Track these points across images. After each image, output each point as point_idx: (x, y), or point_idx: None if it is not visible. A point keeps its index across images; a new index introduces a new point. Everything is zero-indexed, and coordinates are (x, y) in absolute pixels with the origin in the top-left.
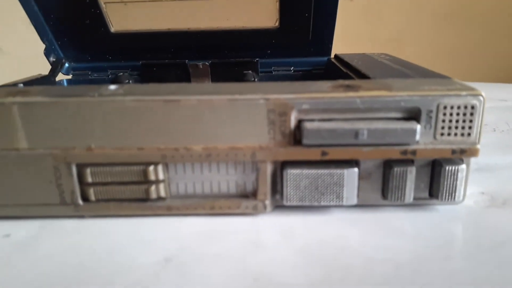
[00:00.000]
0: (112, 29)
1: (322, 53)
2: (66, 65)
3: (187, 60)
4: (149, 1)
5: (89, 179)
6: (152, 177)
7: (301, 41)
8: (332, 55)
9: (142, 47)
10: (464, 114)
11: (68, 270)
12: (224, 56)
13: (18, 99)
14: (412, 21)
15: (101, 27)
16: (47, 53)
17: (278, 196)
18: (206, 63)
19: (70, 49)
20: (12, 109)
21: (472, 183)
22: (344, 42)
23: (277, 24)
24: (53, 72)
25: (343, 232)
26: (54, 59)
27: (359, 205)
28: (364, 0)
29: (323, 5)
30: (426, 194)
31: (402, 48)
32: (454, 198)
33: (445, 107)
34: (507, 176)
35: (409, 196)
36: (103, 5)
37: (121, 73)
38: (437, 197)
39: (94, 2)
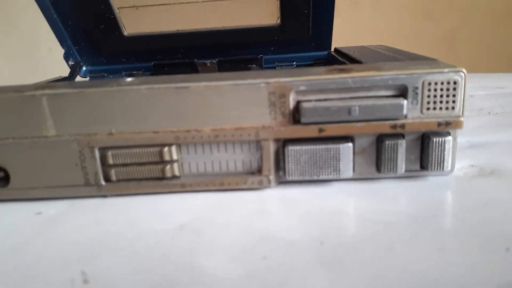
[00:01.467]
0: (125, 33)
1: (322, 48)
2: (84, 68)
3: (195, 59)
4: (159, 4)
5: (111, 161)
6: (167, 157)
7: (302, 37)
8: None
9: (154, 48)
10: (448, 89)
11: (95, 238)
12: (230, 54)
13: (47, 91)
14: (466, 19)
15: (115, 31)
16: (66, 57)
17: (281, 173)
18: (214, 61)
19: (87, 53)
20: (42, 100)
21: (463, 157)
22: (393, 42)
23: (278, 21)
24: (72, 74)
25: (340, 201)
26: (73, 63)
27: (356, 179)
28: None
29: (321, 3)
30: (418, 167)
31: (454, 48)
32: (443, 168)
33: (429, 83)
34: (497, 151)
35: (401, 168)
36: (116, 10)
37: (135, 72)
38: (427, 168)
39: (108, 7)
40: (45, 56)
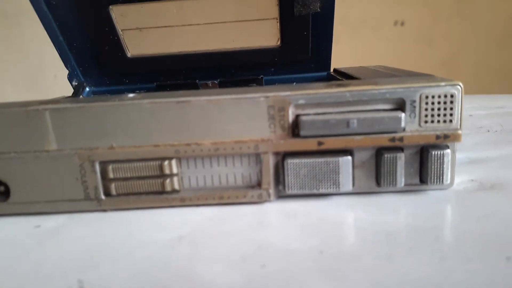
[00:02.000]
0: (129, 54)
1: (322, 68)
2: (87, 89)
3: (197, 80)
4: (162, 27)
5: (111, 175)
6: (167, 171)
7: (302, 58)
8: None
9: (156, 69)
10: (445, 103)
11: (93, 249)
12: (232, 75)
13: (50, 106)
14: (465, 44)
15: (118, 52)
16: (70, 78)
17: (280, 187)
18: (215, 82)
19: (91, 74)
20: (45, 115)
21: (462, 173)
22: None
23: (278, 43)
24: (75, 95)
25: (340, 213)
26: (76, 83)
27: (355, 193)
28: (415, 25)
29: (320, 25)
30: (417, 181)
31: (456, 72)
32: (442, 181)
33: (426, 97)
34: (496, 166)
35: (400, 181)
36: (120, 32)
37: (138, 92)
38: (426, 182)
39: (112, 29)
40: (50, 82)
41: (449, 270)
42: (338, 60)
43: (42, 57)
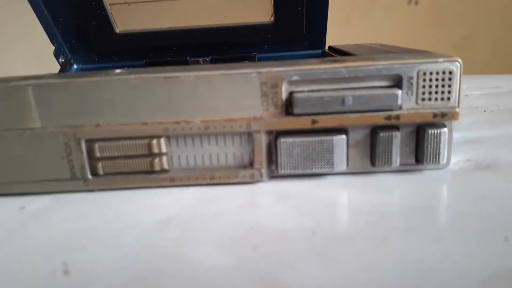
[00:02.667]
0: (117, 30)
1: (316, 46)
2: (75, 66)
3: (188, 57)
4: (151, 1)
5: (98, 154)
6: (155, 150)
7: (296, 35)
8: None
9: (146, 46)
10: (443, 80)
11: (80, 232)
12: (224, 52)
13: (33, 81)
14: (479, 25)
15: (106, 28)
16: (56, 55)
17: (273, 167)
18: (207, 59)
19: (78, 51)
20: (27, 90)
21: (458, 152)
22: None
23: (272, 19)
24: (63, 72)
25: (333, 193)
26: (63, 60)
27: (349, 173)
28: (429, 4)
29: (315, 0)
30: (413, 160)
31: (468, 54)
32: (439, 161)
33: (424, 73)
34: (493, 145)
35: (396, 161)
36: (108, 7)
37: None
38: (422, 162)
39: (100, 4)
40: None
41: (446, 251)
42: (350, 41)
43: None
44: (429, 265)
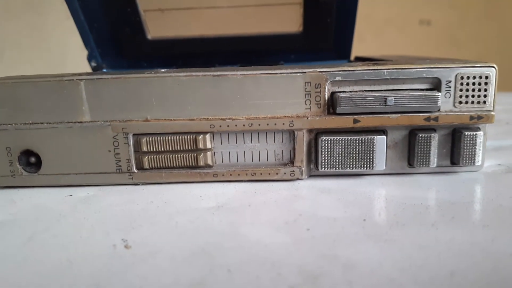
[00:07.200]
0: (149, 36)
1: (343, 56)
2: (105, 71)
3: (217, 64)
4: (184, 8)
5: (145, 148)
6: (201, 145)
7: (323, 45)
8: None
9: (176, 53)
10: (479, 84)
11: (132, 214)
12: (252, 60)
13: (85, 76)
14: (492, 46)
15: (139, 34)
16: (89, 59)
17: (312, 165)
18: (235, 67)
19: (109, 56)
20: (80, 85)
21: (488, 158)
22: None
23: (301, 29)
24: None
25: (374, 189)
26: (95, 64)
27: (387, 173)
28: (442, 25)
29: (343, 12)
30: (448, 162)
31: None
32: (474, 162)
33: (462, 77)
34: None
35: (433, 161)
36: (142, 13)
37: None
38: (458, 163)
39: (134, 10)
40: (72, 70)
41: (494, 235)
42: None
43: (65, 46)
44: (481, 247)
